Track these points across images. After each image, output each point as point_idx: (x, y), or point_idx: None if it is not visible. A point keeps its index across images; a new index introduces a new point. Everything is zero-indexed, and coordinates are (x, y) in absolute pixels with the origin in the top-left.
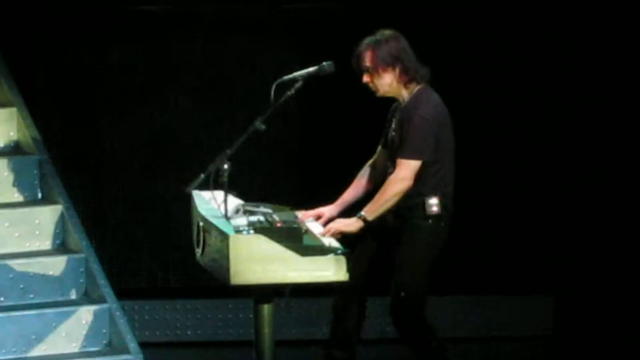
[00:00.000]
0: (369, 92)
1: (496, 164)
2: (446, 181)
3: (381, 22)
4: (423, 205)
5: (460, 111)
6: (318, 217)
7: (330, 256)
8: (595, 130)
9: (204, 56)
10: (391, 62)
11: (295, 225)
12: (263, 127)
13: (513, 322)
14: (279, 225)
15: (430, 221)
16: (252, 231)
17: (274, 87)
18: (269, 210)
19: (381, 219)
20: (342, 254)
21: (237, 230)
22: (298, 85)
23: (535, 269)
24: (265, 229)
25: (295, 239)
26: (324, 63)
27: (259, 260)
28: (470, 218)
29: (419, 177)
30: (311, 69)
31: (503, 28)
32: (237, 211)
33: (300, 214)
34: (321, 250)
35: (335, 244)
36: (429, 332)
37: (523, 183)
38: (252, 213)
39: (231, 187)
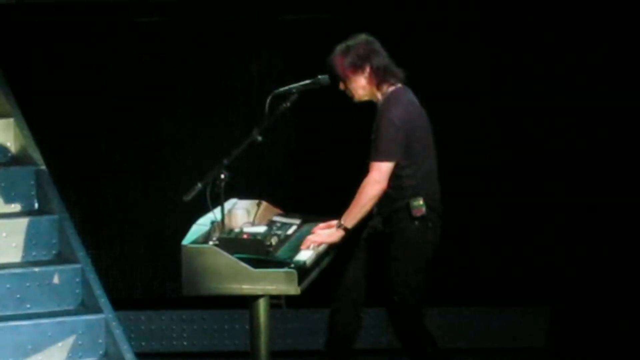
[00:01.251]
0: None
1: (492, 176)
2: (428, 181)
3: (377, 34)
4: (408, 207)
5: (450, 120)
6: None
7: (282, 270)
8: (594, 141)
9: (201, 67)
10: (359, 64)
11: (259, 237)
12: (260, 138)
13: (509, 334)
14: (244, 237)
15: (417, 222)
16: (218, 242)
17: (269, 99)
18: (296, 221)
19: (371, 226)
20: (295, 268)
21: (204, 242)
22: (293, 97)
23: (532, 281)
24: (228, 240)
25: (256, 251)
26: (320, 76)
27: (211, 271)
28: (466, 229)
29: (398, 180)
30: (307, 82)
31: (499, 34)
32: (267, 221)
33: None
34: (275, 263)
35: (304, 257)
36: (426, 338)
37: (519, 194)
38: (273, 223)
39: (229, 195)
